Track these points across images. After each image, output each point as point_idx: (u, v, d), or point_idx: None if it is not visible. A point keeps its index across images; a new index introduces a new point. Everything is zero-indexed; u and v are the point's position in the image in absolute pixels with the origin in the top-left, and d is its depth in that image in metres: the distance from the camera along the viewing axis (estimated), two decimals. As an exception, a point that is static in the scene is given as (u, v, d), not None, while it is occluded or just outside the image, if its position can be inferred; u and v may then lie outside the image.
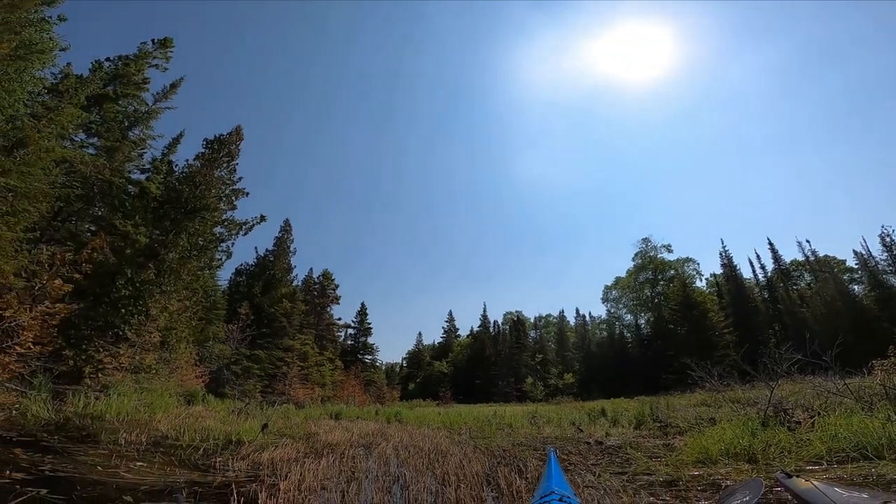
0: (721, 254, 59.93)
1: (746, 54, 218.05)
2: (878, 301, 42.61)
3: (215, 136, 25.62)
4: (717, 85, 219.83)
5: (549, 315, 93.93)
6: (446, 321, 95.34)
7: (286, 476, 5.14)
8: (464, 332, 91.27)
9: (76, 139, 21.82)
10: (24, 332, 12.50)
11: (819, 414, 7.10)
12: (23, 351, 12.71)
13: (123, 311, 16.19)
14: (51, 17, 16.09)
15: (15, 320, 12.32)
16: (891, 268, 43.88)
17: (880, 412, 6.34)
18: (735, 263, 58.99)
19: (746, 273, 59.85)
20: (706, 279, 66.28)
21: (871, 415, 6.31)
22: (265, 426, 11.12)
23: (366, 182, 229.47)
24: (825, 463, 5.07)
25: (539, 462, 6.79)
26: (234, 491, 4.14)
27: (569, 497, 3.29)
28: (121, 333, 16.38)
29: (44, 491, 3.77)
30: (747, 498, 3.27)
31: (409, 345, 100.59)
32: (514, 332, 77.88)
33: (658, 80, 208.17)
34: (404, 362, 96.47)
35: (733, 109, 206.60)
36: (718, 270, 61.61)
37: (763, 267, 58.42)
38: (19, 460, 5.11)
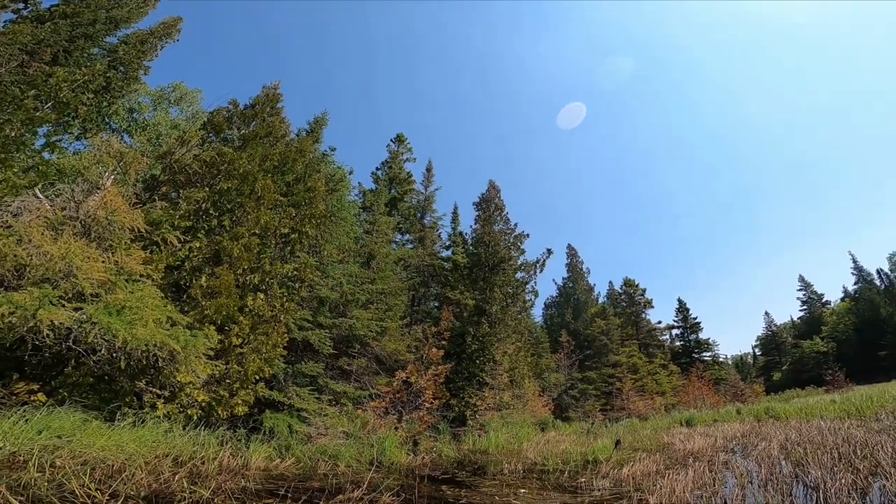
0: None
1: None
2: None
3: (479, 197, 28.70)
4: None
5: (983, 239, 63.07)
6: (799, 289, 75.64)
7: (652, 490, 4.94)
8: (831, 295, 71.51)
9: (395, 240, 28.11)
10: (426, 392, 16.01)
11: None
12: (428, 405, 16.22)
13: (477, 361, 19.14)
14: (326, 151, 20.85)
15: (418, 384, 15.96)
16: None
17: None
18: None
19: None
20: None
21: None
22: (618, 443, 10.95)
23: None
24: None
25: None
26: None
27: None
28: (481, 380, 19.24)
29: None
30: None
31: (756, 329, 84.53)
32: (917, 277, 55.13)
33: None
34: (756, 350, 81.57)
35: None
36: None
37: None
38: (446, 496, 6.22)
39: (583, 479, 7.05)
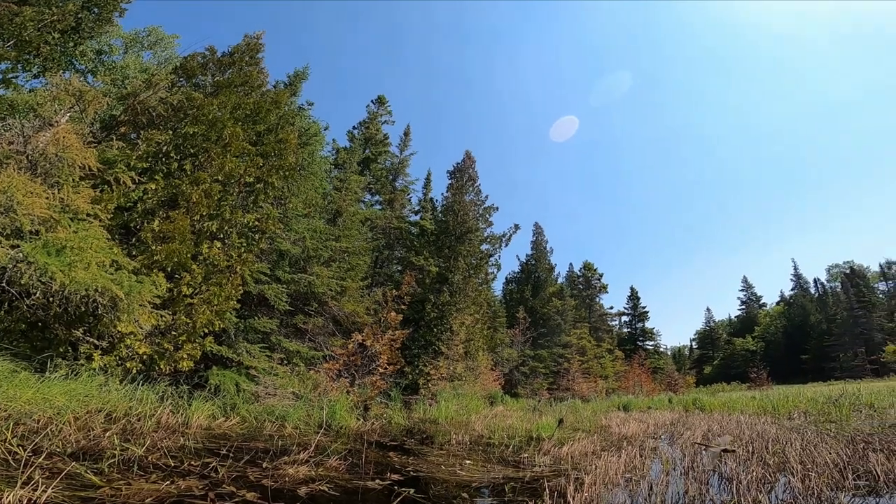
0: None
1: None
2: None
3: (454, 166, 28.29)
4: None
5: (905, 258, 66.42)
6: (741, 289, 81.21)
7: (588, 470, 5.10)
8: (769, 298, 76.92)
9: (365, 200, 27.51)
10: (381, 357, 16.08)
11: None
12: (382, 371, 16.34)
13: (435, 329, 19.33)
14: (303, 105, 20.03)
15: (374, 348, 15.98)
16: None
17: None
18: None
19: None
20: None
21: None
22: (561, 422, 11.39)
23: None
24: None
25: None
26: (546, 486, 4.29)
27: None
28: (437, 349, 19.51)
29: (411, 490, 4.46)
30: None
31: (696, 324, 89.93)
32: (850, 289, 59.91)
33: None
34: (693, 343, 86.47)
35: None
36: None
37: None
38: (393, 462, 6.22)
39: (525, 455, 7.21)
